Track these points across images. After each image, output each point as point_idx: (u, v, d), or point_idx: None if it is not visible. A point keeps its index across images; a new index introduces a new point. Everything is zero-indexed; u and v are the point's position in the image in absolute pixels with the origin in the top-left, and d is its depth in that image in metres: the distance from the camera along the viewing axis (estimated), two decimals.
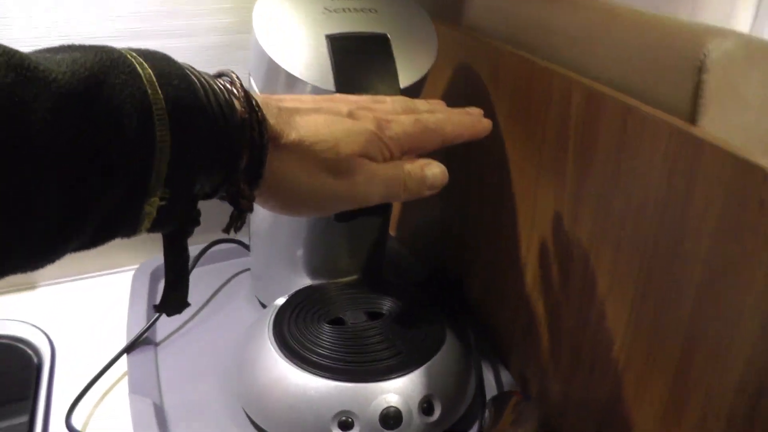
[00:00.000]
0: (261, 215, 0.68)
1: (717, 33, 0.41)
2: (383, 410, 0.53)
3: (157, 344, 0.68)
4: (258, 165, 0.36)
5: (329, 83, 0.50)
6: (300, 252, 0.67)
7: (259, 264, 0.73)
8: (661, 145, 0.42)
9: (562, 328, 0.55)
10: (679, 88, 0.42)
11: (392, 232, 0.89)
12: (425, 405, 0.55)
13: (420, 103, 0.48)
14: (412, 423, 0.54)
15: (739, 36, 0.41)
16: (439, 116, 0.47)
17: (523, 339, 0.62)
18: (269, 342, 0.58)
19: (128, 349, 0.66)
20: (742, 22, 0.97)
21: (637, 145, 0.44)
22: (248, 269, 0.80)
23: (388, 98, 0.47)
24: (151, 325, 0.68)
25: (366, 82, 0.50)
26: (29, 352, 0.70)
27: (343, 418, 0.53)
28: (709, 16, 0.93)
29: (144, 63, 0.31)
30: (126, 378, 0.64)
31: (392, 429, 0.53)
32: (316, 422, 0.53)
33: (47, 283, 0.80)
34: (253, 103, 0.36)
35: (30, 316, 0.74)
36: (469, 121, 0.49)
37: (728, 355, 0.38)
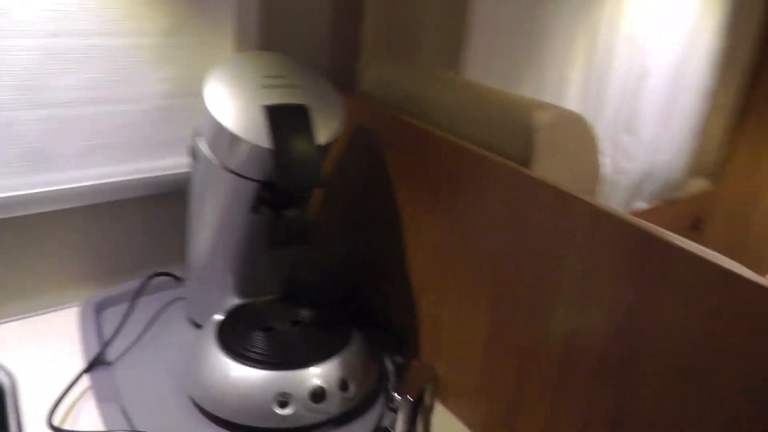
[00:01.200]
0: (198, 250, 0.83)
1: (543, 106, 0.62)
2: (311, 389, 0.70)
3: (110, 364, 0.81)
4: None
5: (265, 142, 0.67)
6: (231, 278, 0.82)
7: (195, 290, 0.87)
8: (505, 182, 0.61)
9: (430, 315, 0.74)
10: (518, 143, 0.62)
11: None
12: (342, 384, 0.72)
13: None
14: (334, 398, 0.71)
15: (557, 108, 0.62)
16: None
17: (408, 325, 0.80)
18: (216, 348, 0.73)
19: (89, 368, 0.78)
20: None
21: (487, 183, 0.63)
22: (180, 298, 0.93)
23: None
24: (106, 345, 0.81)
25: (292, 141, 0.67)
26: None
27: (281, 398, 0.69)
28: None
29: None
30: (89, 392, 0.76)
31: (319, 402, 0.70)
32: (261, 404, 0.69)
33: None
34: None
35: None
36: None
37: (549, 328, 0.58)
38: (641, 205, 1.56)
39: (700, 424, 0.47)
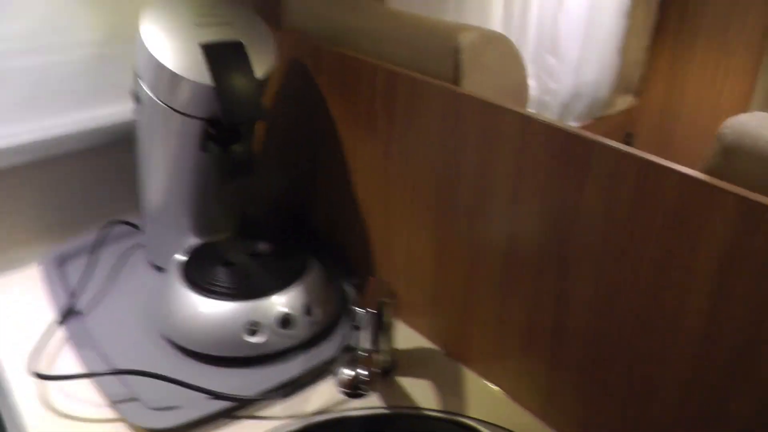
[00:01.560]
0: (152, 194, 0.85)
1: (464, 28, 0.66)
2: (278, 315, 0.74)
3: (81, 313, 0.84)
4: None
5: (206, 79, 0.70)
6: (186, 219, 0.86)
7: (153, 234, 0.90)
8: (438, 101, 0.66)
9: (381, 238, 0.79)
10: (446, 64, 0.67)
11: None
12: (306, 309, 0.77)
13: None
14: (300, 322, 0.76)
15: (479, 29, 0.67)
16: None
17: (361, 249, 0.85)
18: (183, 286, 0.77)
19: (62, 319, 0.81)
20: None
21: (421, 104, 0.68)
22: (139, 245, 0.96)
23: None
24: (74, 294, 0.85)
25: (232, 77, 0.70)
26: None
27: (250, 327, 0.74)
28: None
29: None
30: (65, 343, 0.79)
31: (287, 328, 0.75)
32: (232, 334, 0.73)
33: None
34: None
35: None
36: None
37: (490, 234, 0.64)
38: (573, 124, 1.63)
39: (627, 293, 0.54)
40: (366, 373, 0.58)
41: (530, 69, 1.38)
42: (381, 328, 0.70)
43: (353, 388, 0.58)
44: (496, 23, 1.27)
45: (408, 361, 0.76)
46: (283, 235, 0.88)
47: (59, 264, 0.92)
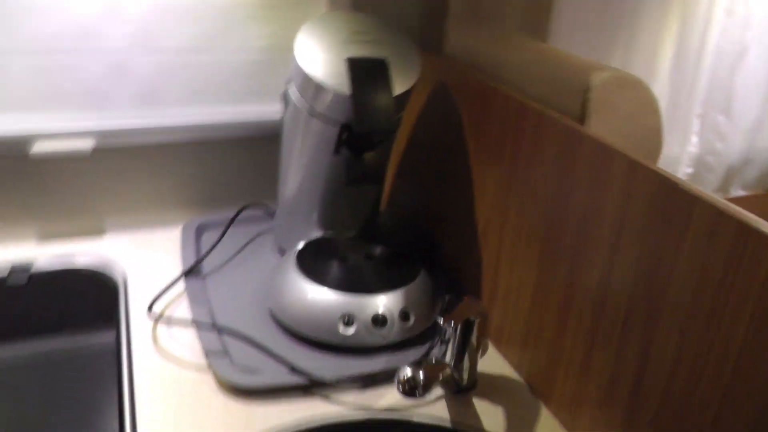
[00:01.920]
0: (287, 186, 0.92)
1: (599, 67, 0.66)
2: (374, 315, 0.77)
3: (204, 275, 0.92)
4: None
5: (346, 90, 0.75)
6: (315, 212, 0.91)
7: (283, 222, 0.97)
8: (560, 138, 0.66)
9: (491, 264, 0.80)
10: (575, 102, 0.67)
11: (384, 205, 1.13)
12: (403, 314, 0.79)
13: None
14: (394, 325, 0.78)
15: (613, 69, 0.66)
16: None
17: (472, 272, 0.86)
18: (295, 269, 0.82)
19: (186, 274, 0.90)
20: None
21: (545, 139, 0.68)
22: (269, 230, 1.04)
23: None
24: (203, 258, 0.93)
25: (369, 89, 0.75)
26: (111, 278, 0.93)
27: (346, 318, 0.77)
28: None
29: None
30: (183, 296, 0.87)
31: (379, 327, 0.77)
32: (328, 321, 0.78)
33: (113, 232, 1.04)
34: None
35: (104, 254, 0.98)
36: None
37: (586, 278, 0.63)
38: (739, 192, 1.53)
39: (714, 356, 0.51)
40: (423, 378, 0.59)
41: (695, 125, 1.33)
42: (466, 346, 0.71)
43: (408, 388, 0.60)
44: (663, 72, 1.23)
45: (490, 385, 0.76)
46: (402, 244, 0.91)
47: (196, 231, 1.02)
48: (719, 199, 0.49)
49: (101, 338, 0.83)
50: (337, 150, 0.82)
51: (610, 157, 0.59)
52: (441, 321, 0.67)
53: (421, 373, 0.60)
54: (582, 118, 0.66)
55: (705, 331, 0.51)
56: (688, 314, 0.53)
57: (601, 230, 0.62)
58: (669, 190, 0.53)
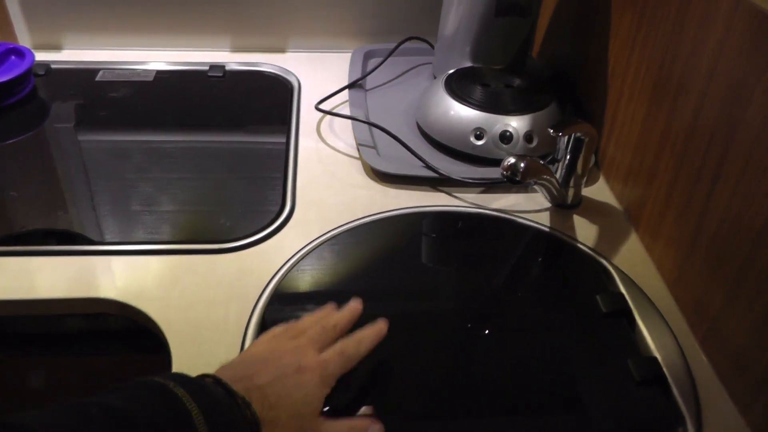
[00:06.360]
0: (447, 22, 1.03)
1: None
2: (502, 131, 0.89)
3: (365, 90, 1.08)
4: None
5: None
6: (469, 46, 1.02)
7: (441, 53, 1.09)
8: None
9: (613, 102, 0.88)
10: None
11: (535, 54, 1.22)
12: (528, 136, 0.90)
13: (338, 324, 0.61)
14: (518, 144, 0.90)
15: None
16: (354, 343, 0.58)
17: (597, 108, 0.95)
18: (442, 89, 0.95)
19: (350, 85, 1.05)
20: None
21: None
22: (429, 63, 1.16)
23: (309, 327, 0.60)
24: (368, 74, 1.09)
25: None
26: (290, 82, 1.11)
27: (477, 132, 0.90)
28: None
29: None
30: (346, 104, 1.03)
31: (505, 143, 0.89)
32: (462, 133, 0.91)
33: (293, 51, 1.22)
34: (242, 398, 0.49)
35: (283, 65, 1.16)
36: (376, 333, 0.60)
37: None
38: None
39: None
40: (523, 166, 0.71)
41: None
42: (575, 164, 0.81)
43: (510, 173, 0.72)
44: None
45: (592, 207, 0.86)
46: (543, 79, 1.01)
47: (365, 56, 1.17)
48: None
49: (276, 136, 1.00)
50: None
51: None
52: (551, 131, 0.76)
53: (522, 163, 0.72)
54: None
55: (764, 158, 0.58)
56: (754, 140, 0.60)
57: (702, 61, 0.68)
58: (762, 20, 0.58)
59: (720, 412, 0.61)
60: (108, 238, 0.78)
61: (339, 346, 0.58)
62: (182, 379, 0.48)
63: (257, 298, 0.70)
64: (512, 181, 0.73)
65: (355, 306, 0.62)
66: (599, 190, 0.90)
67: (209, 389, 0.48)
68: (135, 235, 0.78)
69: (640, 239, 0.81)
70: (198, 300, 0.70)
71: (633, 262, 0.78)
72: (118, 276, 0.72)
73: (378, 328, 0.60)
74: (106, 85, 1.10)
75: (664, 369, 0.64)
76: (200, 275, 0.73)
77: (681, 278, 0.72)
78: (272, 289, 0.71)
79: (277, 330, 0.60)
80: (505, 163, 0.73)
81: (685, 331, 0.69)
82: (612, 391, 0.64)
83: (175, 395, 0.45)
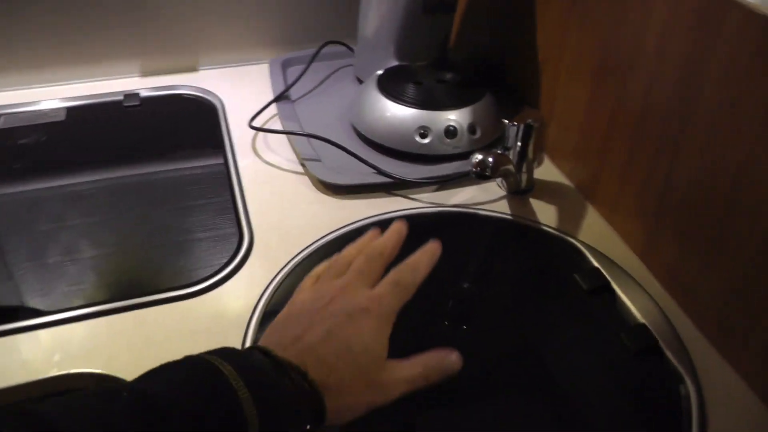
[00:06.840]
0: (367, 21, 1.02)
1: None
2: (446, 127, 0.89)
3: (292, 100, 1.05)
4: (321, 413, 0.45)
5: None
6: (392, 44, 1.02)
7: (363, 54, 1.08)
8: None
9: (549, 86, 0.90)
10: None
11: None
12: (471, 127, 0.90)
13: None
14: (463, 137, 0.90)
15: None
16: (409, 270, 0.53)
17: (532, 93, 0.97)
18: (377, 90, 0.94)
19: (277, 98, 1.02)
20: None
21: None
22: (349, 65, 1.15)
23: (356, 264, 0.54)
24: (293, 84, 1.06)
25: None
26: (212, 102, 1.07)
27: (421, 130, 0.89)
28: None
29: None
30: (275, 118, 1.00)
31: (450, 138, 0.89)
32: (406, 133, 0.90)
33: (205, 68, 1.17)
34: (294, 365, 0.45)
35: (200, 85, 1.11)
36: (431, 255, 0.55)
37: (631, 89, 0.73)
38: None
39: (732, 146, 0.59)
40: (492, 161, 0.72)
41: None
42: (526, 150, 0.82)
43: (480, 170, 0.72)
44: None
45: (545, 189, 0.88)
46: (471, 71, 1.01)
47: (283, 66, 1.14)
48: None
49: (209, 159, 0.95)
50: None
51: None
52: (507, 122, 0.78)
53: (490, 158, 0.72)
54: None
55: (728, 133, 0.60)
56: (715, 117, 0.62)
57: (648, 41, 0.70)
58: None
59: (714, 369, 0.64)
60: (56, 304, 0.71)
61: (392, 276, 0.52)
62: (231, 353, 0.45)
63: (242, 339, 0.67)
64: (482, 177, 0.73)
65: (399, 227, 0.57)
66: (547, 171, 0.92)
67: (258, 366, 0.44)
68: (86, 295, 0.72)
69: (599, 213, 0.83)
70: (177, 354, 0.65)
71: (599, 236, 0.80)
72: (82, 345, 0.66)
73: (432, 250, 0.54)
74: (12, 132, 1.01)
75: (656, 335, 0.66)
76: (171, 328, 0.68)
77: (650, 247, 0.74)
78: (255, 326, 0.68)
79: (319, 269, 0.55)
80: (474, 160, 0.73)
81: (664, 296, 0.72)
82: (612, 366, 0.65)
83: (222, 375, 0.41)
